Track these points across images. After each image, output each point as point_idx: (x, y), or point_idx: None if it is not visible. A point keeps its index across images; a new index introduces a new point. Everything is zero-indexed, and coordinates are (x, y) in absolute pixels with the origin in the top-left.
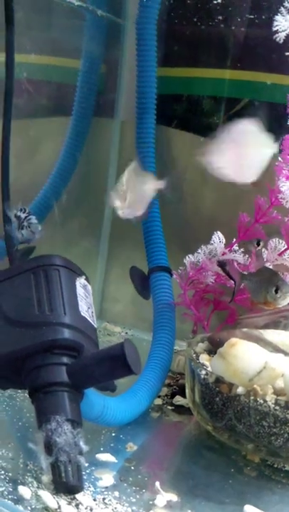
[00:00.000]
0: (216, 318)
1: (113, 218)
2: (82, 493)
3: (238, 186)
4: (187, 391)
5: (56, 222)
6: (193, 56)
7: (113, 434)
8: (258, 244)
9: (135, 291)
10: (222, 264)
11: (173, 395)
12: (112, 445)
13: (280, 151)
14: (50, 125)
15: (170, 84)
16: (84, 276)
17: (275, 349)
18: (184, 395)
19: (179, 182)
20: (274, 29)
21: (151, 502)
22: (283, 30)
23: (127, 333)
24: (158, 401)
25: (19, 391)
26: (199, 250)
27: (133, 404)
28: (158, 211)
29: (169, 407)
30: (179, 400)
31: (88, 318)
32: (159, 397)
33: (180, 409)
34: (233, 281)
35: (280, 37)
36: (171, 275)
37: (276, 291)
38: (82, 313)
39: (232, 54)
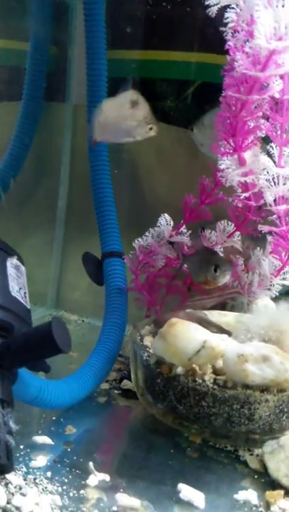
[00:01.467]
0: (172, 304)
1: (68, 204)
2: (13, 473)
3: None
4: (132, 375)
5: (5, 210)
6: (145, 38)
7: (53, 418)
8: (202, 231)
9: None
10: (172, 243)
11: (121, 380)
12: (52, 429)
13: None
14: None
15: (122, 66)
16: (16, 257)
17: (220, 330)
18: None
19: None
20: (206, 3)
21: (83, 482)
22: (215, 4)
23: (83, 321)
24: (105, 386)
25: None
26: (147, 233)
27: (75, 387)
28: (111, 196)
29: (116, 392)
30: (126, 384)
31: (20, 299)
32: (107, 381)
33: (128, 394)
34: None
35: (212, 11)
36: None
37: (215, 270)
38: (12, 294)
39: (183, 35)
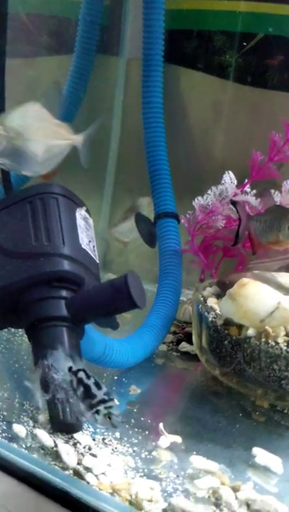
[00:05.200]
0: (225, 269)
1: (118, 164)
2: (80, 432)
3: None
4: (194, 337)
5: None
6: None
7: (115, 378)
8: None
9: (140, 241)
10: (233, 203)
11: (178, 342)
12: (114, 388)
13: None
14: (51, 64)
15: (179, 18)
16: (85, 208)
17: (288, 292)
18: (189, 342)
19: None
20: None
21: (154, 443)
22: None
23: None
24: (163, 347)
25: (17, 335)
26: (209, 191)
27: (137, 347)
28: (166, 155)
29: (175, 354)
30: (184, 346)
31: (89, 252)
32: (164, 343)
33: (186, 356)
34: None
35: None
36: (179, 221)
37: None
38: (82, 246)
39: None
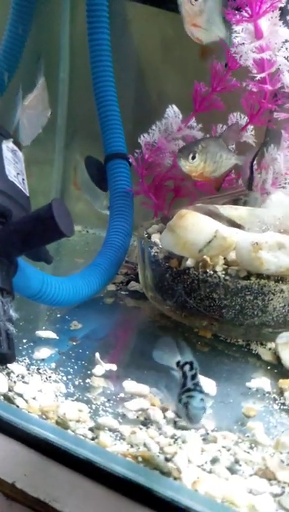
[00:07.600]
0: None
1: (69, 109)
2: (15, 363)
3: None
4: (140, 275)
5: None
6: None
7: (58, 315)
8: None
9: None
10: None
11: (128, 283)
12: (57, 325)
13: None
14: None
15: None
16: (12, 140)
17: (231, 223)
18: (139, 281)
19: None
20: None
21: (89, 372)
22: None
23: (88, 231)
24: (112, 287)
25: None
26: (154, 127)
27: (80, 285)
28: (114, 94)
29: (124, 293)
30: (133, 285)
31: (18, 184)
32: (113, 283)
33: (135, 295)
34: None
35: None
36: (130, 163)
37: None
38: (9, 178)
39: None
